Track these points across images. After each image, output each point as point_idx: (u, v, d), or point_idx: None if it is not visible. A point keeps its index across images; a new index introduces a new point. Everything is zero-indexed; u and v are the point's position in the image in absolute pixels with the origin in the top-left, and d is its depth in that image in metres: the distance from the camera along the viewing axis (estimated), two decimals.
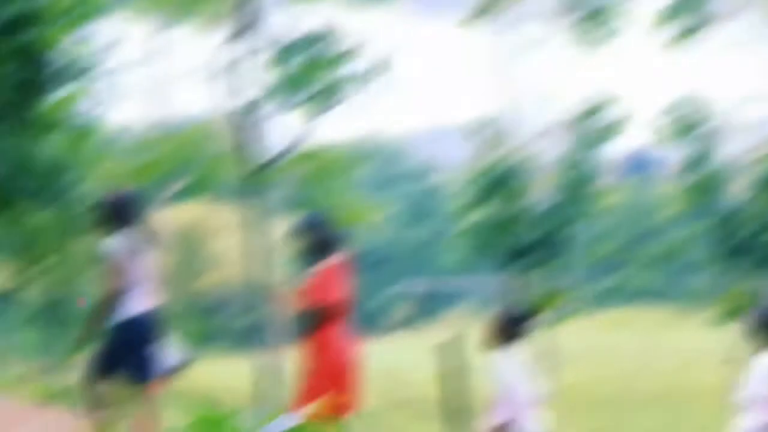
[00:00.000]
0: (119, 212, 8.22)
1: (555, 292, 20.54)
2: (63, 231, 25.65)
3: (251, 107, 15.21)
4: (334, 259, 8.08)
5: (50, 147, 17.32)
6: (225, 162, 15.23)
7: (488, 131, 22.20)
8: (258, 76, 15.66)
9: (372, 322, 68.49)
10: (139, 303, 8.13)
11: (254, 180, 14.57)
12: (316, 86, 14.05)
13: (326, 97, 14.24)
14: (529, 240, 20.89)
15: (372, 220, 15.28)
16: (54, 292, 28.72)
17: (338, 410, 7.59)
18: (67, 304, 28.28)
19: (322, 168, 14.86)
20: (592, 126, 21.27)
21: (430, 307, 68.92)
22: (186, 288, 49.64)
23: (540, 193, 21.54)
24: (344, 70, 14.28)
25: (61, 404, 19.45)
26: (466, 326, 50.68)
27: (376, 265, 73.03)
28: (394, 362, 27.96)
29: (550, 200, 21.11)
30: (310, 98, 14.23)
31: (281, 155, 15.45)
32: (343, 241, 8.33)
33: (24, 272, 27.39)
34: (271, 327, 14.69)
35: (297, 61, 14.11)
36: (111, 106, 17.75)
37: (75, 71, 16.22)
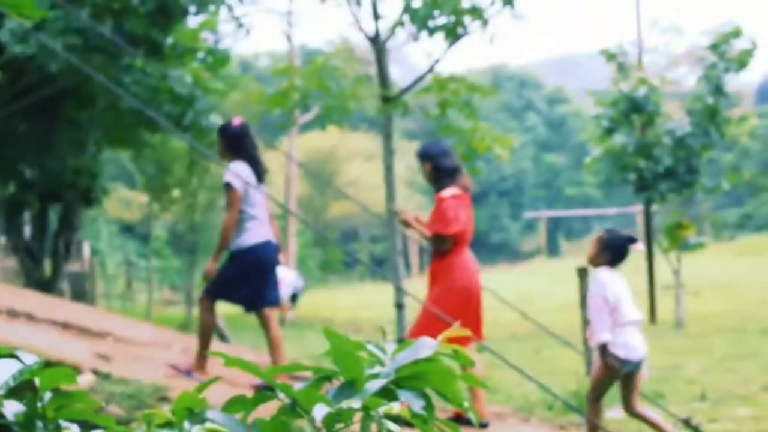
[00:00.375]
0: (235, 142, 8.35)
1: (686, 221, 20.16)
2: (194, 161, 26.16)
3: (385, 35, 15.14)
4: (454, 188, 8.00)
5: (184, 75, 17.54)
6: (359, 90, 15.22)
7: (619, 60, 21.80)
8: (391, 3, 15.67)
9: (503, 251, 68.57)
10: (255, 234, 8.24)
11: (387, 108, 14.56)
12: (448, 14, 13.95)
13: (458, 24, 14.12)
14: (660, 169, 20.52)
15: (503, 149, 15.13)
16: (185, 222, 29.35)
17: (461, 339, 7.86)
18: (198, 234, 28.88)
19: (455, 97, 14.76)
20: (722, 55, 20.69)
21: (561, 235, 68.54)
22: (319, 216, 50.22)
23: (671, 122, 21.10)
24: None
25: (191, 330, 19.98)
26: None
27: (507, 195, 72.88)
28: (526, 290, 27.94)
29: (682, 129, 20.64)
30: (443, 26, 14.11)
31: (414, 84, 15.36)
32: (462, 170, 8.24)
33: (156, 202, 28.02)
34: (402, 256, 14.75)
35: None
36: (245, 33, 17.84)
37: None
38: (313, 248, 44.50)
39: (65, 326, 9.49)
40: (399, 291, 12.95)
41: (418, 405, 2.22)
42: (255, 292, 8.38)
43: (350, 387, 2.22)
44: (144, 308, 28.65)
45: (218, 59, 19.29)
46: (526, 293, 26.67)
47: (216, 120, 17.68)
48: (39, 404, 2.00)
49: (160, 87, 16.60)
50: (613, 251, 7.44)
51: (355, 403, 2.12)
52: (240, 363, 2.29)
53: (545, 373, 11.46)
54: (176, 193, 28.81)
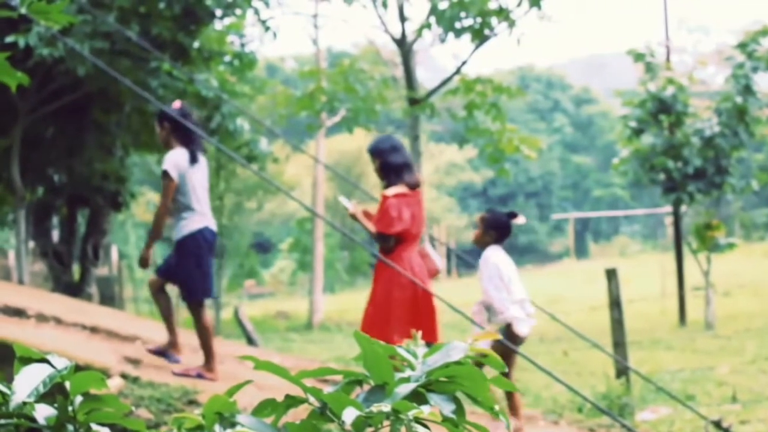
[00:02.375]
0: (177, 127, 8.41)
1: (716, 222, 20.06)
2: (221, 164, 26.22)
3: (412, 37, 15.16)
4: (400, 185, 7.97)
5: (210, 79, 17.59)
6: (385, 92, 15.24)
7: (647, 60, 21.71)
8: (418, 6, 15.71)
9: (531, 253, 68.40)
10: (192, 221, 8.30)
11: (414, 110, 14.55)
12: (475, 16, 13.95)
13: (484, 26, 14.11)
14: (689, 170, 20.42)
15: (531, 150, 15.10)
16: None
17: (395, 339, 7.75)
18: (226, 238, 28.93)
19: (482, 98, 14.75)
20: (751, 54, 20.59)
21: (589, 237, 68.29)
22: (346, 219, 50.24)
23: (700, 122, 21.00)
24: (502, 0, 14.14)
25: (219, 333, 20.01)
26: (626, 256, 49.95)
27: (534, 196, 72.73)
28: (554, 291, 27.85)
29: (710, 130, 20.54)
30: (470, 28, 14.12)
31: (441, 85, 15.36)
32: (411, 167, 8.19)
33: None
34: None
35: None
36: (273, 36, 17.86)
37: (235, 2, 16.39)
38: (340, 251, 44.53)
39: (93, 330, 9.52)
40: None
41: (448, 409, 2.21)
42: (195, 280, 8.49)
43: (380, 390, 2.21)
44: None
45: (245, 62, 19.32)
46: (554, 295, 26.60)
47: (242, 124, 17.74)
48: (70, 408, 2.00)
49: (187, 90, 16.64)
50: (497, 229, 7.74)
51: (385, 406, 2.10)
52: (269, 366, 2.28)
53: (574, 375, 11.43)
54: None
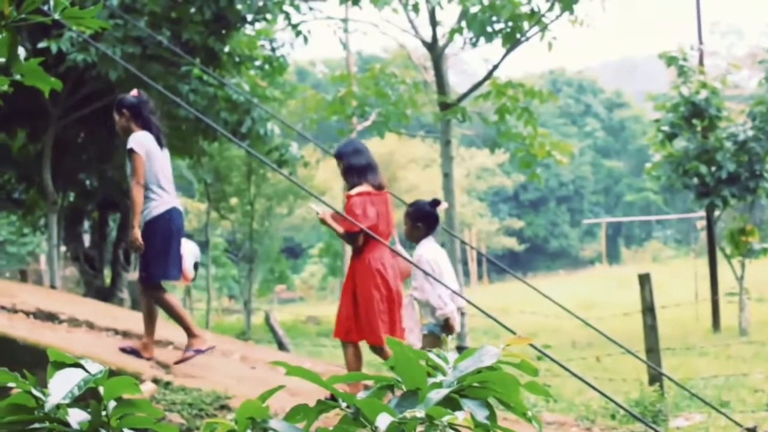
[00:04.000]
0: (136, 111, 8.46)
1: (750, 227, 19.91)
2: (252, 169, 26.30)
3: (443, 41, 15.16)
4: (364, 185, 8.00)
5: (241, 84, 17.64)
6: (416, 97, 15.24)
7: (679, 63, 21.58)
8: (448, 10, 15.70)
9: (563, 258, 68.23)
10: (158, 204, 8.33)
11: (446, 115, 14.55)
12: (506, 20, 13.94)
13: (516, 30, 14.09)
14: (722, 174, 20.28)
15: (563, 155, 15.07)
16: (243, 231, 29.52)
17: (373, 337, 7.96)
18: (257, 242, 29.01)
19: (513, 103, 14.72)
20: None
21: (621, 242, 68.03)
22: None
23: (733, 126, 20.86)
24: (533, 2, 14.10)
25: (249, 338, 20.06)
26: (659, 262, 49.61)
27: (566, 201, 72.55)
28: (586, 297, 27.75)
29: (744, 134, 20.40)
30: (501, 32, 14.10)
31: (472, 90, 15.34)
32: (375, 168, 8.22)
33: (214, 211, 28.21)
34: (461, 263, 14.74)
35: None
36: (304, 41, 17.88)
37: (266, 7, 16.42)
38: None
39: (125, 335, 9.55)
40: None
41: (481, 414, 2.19)
42: (175, 260, 8.50)
43: (413, 396, 2.20)
44: (202, 316, 28.84)
45: (276, 67, 19.35)
46: (586, 300, 26.50)
47: (273, 128, 17.77)
48: (103, 413, 2.00)
49: (218, 95, 16.69)
50: (424, 221, 7.78)
51: (419, 412, 2.09)
52: (301, 371, 2.27)
53: (606, 382, 11.36)
54: (234, 201, 29.00)
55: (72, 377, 1.94)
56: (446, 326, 7.45)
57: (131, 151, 8.25)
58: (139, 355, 8.27)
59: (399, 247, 8.35)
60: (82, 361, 2.00)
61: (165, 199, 8.36)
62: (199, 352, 8.20)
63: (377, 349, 7.98)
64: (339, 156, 8.31)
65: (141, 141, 8.32)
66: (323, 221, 8.24)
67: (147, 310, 8.52)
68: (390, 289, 7.85)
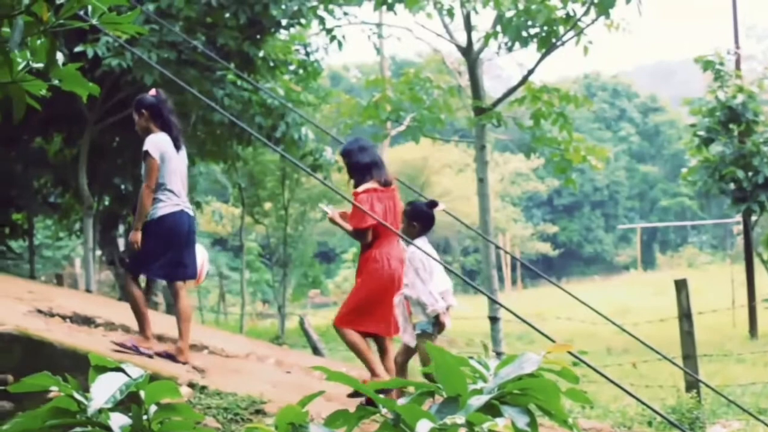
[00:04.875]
0: (155, 111, 8.46)
1: None
2: (286, 174, 26.35)
3: (478, 46, 15.13)
4: (370, 182, 8.07)
5: (275, 88, 17.68)
6: (451, 101, 15.23)
7: (716, 67, 21.44)
8: (484, 15, 15.64)
9: (597, 263, 67.94)
10: (167, 204, 8.35)
11: (481, 119, 14.52)
12: (542, 24, 13.89)
13: (551, 34, 14.04)
14: (759, 179, 20.12)
15: (598, 160, 15.00)
16: (277, 235, 29.56)
17: (375, 331, 8.14)
18: (290, 247, 29.06)
19: (548, 107, 14.68)
20: None
21: (656, 247, 67.65)
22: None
23: None
24: (569, 7, 14.05)
25: (284, 343, 20.09)
26: (694, 267, 49.29)
27: (600, 206, 72.24)
28: (621, 302, 27.61)
29: None
30: (537, 36, 14.05)
31: (508, 94, 15.30)
32: (380, 165, 8.28)
33: (248, 215, 28.27)
34: (495, 268, 14.69)
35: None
36: (339, 46, 17.91)
37: (301, 12, 16.46)
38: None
39: (160, 339, 9.57)
40: (493, 304, 12.88)
41: (522, 421, 2.18)
42: (171, 262, 8.45)
43: (453, 402, 2.18)
44: (236, 321, 28.91)
45: (310, 72, 19.39)
46: (622, 306, 26.37)
47: (307, 133, 17.80)
48: (144, 417, 2.00)
49: (252, 100, 16.74)
50: (420, 220, 7.77)
51: (459, 418, 2.08)
52: (342, 377, 2.26)
53: (643, 388, 11.29)
54: (268, 206, 29.05)
55: (114, 382, 1.94)
56: (437, 323, 7.49)
57: (146, 153, 8.28)
58: (175, 359, 8.29)
59: (404, 244, 8.42)
60: (123, 366, 2.00)
61: (173, 201, 8.36)
62: (136, 349, 8.20)
63: (379, 339, 8.18)
64: (345, 154, 8.42)
65: (157, 143, 8.33)
66: (332, 220, 8.33)
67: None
68: (393, 282, 7.92)
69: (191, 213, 8.60)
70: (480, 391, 2.22)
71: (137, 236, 8.22)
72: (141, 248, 8.27)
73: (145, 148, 8.32)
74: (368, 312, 8.00)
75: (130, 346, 8.19)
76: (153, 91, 8.72)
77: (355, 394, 7.92)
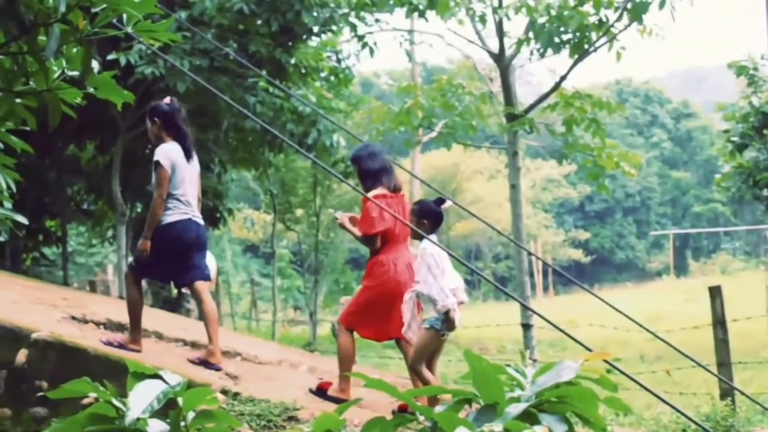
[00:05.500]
0: (168, 119, 8.48)
1: None
2: (318, 180, 26.38)
3: (510, 52, 15.10)
4: (380, 188, 8.10)
5: (307, 95, 17.71)
6: (482, 108, 15.22)
7: (749, 72, 21.29)
8: (515, 20, 15.60)
9: (629, 270, 67.63)
10: (176, 212, 8.39)
11: (513, 126, 14.50)
12: (574, 31, 13.85)
13: (584, 40, 13.99)
14: None
15: (631, 166, 14.93)
16: (309, 242, 29.59)
17: (379, 335, 8.25)
18: (322, 254, 29.07)
19: (581, 114, 14.62)
20: None
21: (689, 254, 67.28)
22: (442, 235, 50.23)
23: None
24: (602, 13, 14.00)
25: (316, 350, 20.09)
26: (728, 274, 48.99)
27: (632, 212, 71.93)
28: (654, 309, 27.45)
29: None
30: (569, 42, 14.00)
31: (540, 101, 15.25)
32: (389, 171, 8.29)
33: (280, 222, 28.32)
34: (528, 275, 14.65)
35: (552, 5, 13.94)
36: (370, 53, 17.91)
37: (333, 19, 16.49)
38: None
39: (194, 345, 9.60)
40: (526, 311, 12.83)
41: (560, 429, 2.16)
42: (180, 268, 8.48)
43: (491, 410, 2.17)
44: (268, 327, 28.96)
45: (342, 79, 19.41)
46: (654, 313, 26.21)
47: (339, 139, 17.81)
48: (182, 424, 2.00)
49: (284, 107, 16.78)
50: (429, 218, 7.76)
51: (497, 426, 2.07)
52: (380, 384, 2.25)
53: (677, 396, 11.22)
54: (300, 212, 29.10)
55: (152, 389, 1.94)
56: (447, 320, 7.47)
57: (157, 164, 8.33)
58: (209, 365, 8.31)
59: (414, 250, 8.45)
60: (161, 372, 2.00)
61: (181, 209, 8.40)
62: (122, 347, 8.24)
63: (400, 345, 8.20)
64: (354, 160, 8.45)
65: (167, 153, 8.37)
66: (342, 225, 8.38)
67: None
68: (398, 287, 7.93)
69: (200, 222, 8.63)
70: (517, 399, 2.21)
71: (146, 244, 8.27)
72: (151, 253, 8.34)
73: (155, 158, 8.38)
74: (370, 315, 8.08)
75: (116, 344, 8.24)
76: (167, 99, 8.74)
77: (318, 392, 8.00)
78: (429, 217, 7.79)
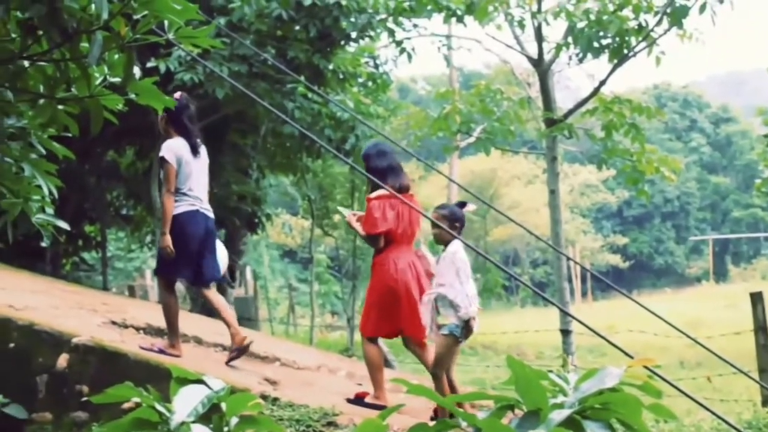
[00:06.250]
0: (175, 118, 8.56)
1: None
2: (355, 185, 26.39)
3: (549, 57, 15.06)
4: (388, 188, 7.93)
5: (345, 101, 17.74)
6: (521, 112, 15.20)
7: None
8: (554, 25, 15.59)
9: (668, 275, 67.20)
10: (182, 205, 8.54)
11: (553, 131, 14.46)
12: (613, 35, 13.80)
13: (623, 45, 13.94)
14: None
15: (671, 172, 14.85)
16: (346, 247, 29.60)
17: (389, 334, 8.27)
18: (360, 259, 29.08)
19: (620, 119, 14.57)
20: None
21: (729, 259, 66.79)
22: (480, 241, 50.13)
23: None
24: (641, 17, 13.94)
25: (353, 355, 20.10)
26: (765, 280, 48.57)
27: (671, 217, 71.49)
28: (693, 315, 27.26)
29: None
30: (608, 47, 13.96)
31: (579, 106, 15.19)
32: (397, 170, 8.32)
33: (318, 227, 28.36)
34: (567, 280, 14.59)
35: (591, 9, 13.89)
36: (408, 58, 17.92)
37: (371, 24, 16.50)
38: (473, 273, 44.41)
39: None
40: (565, 316, 12.78)
41: None
42: (192, 262, 8.61)
43: (534, 417, 2.16)
44: (306, 333, 29.00)
45: (380, 84, 19.43)
46: (694, 319, 26.03)
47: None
48: (225, 429, 2.00)
49: (322, 112, 16.81)
50: (458, 221, 7.79)
51: None
52: (422, 390, 2.25)
53: (717, 403, 11.13)
54: (337, 218, 29.13)
55: (196, 394, 1.95)
56: (466, 327, 7.46)
57: (162, 159, 8.48)
58: (241, 350, 8.41)
59: (424, 249, 8.44)
60: (204, 378, 2.01)
61: (188, 202, 8.55)
62: (162, 352, 8.29)
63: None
64: (364, 158, 8.55)
65: (172, 148, 8.57)
66: (349, 224, 8.45)
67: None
68: (398, 285, 7.98)
69: (209, 214, 8.72)
70: (561, 405, 2.20)
71: (166, 240, 8.38)
72: (163, 251, 8.42)
73: (160, 154, 8.61)
74: (378, 315, 8.10)
75: (156, 349, 8.30)
76: (177, 95, 8.83)
77: (355, 401, 7.97)
78: (458, 221, 7.80)
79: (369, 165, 8.32)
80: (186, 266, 8.64)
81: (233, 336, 8.50)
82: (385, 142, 9.18)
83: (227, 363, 8.51)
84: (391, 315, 8.01)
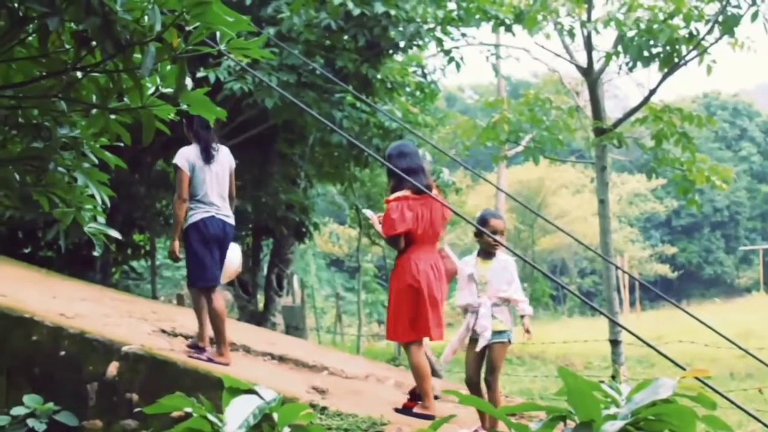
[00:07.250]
0: (189, 124, 8.68)
1: None
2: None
3: (598, 66, 14.99)
4: (405, 189, 8.11)
5: (393, 110, 17.76)
6: (570, 121, 15.14)
7: None
8: (604, 34, 15.53)
9: (718, 285, 66.54)
10: (197, 212, 8.66)
11: (602, 140, 14.39)
12: (664, 44, 13.71)
13: (674, 54, 13.84)
14: None
15: (721, 179, 14.72)
16: (392, 256, 29.60)
17: (413, 336, 8.10)
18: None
19: (671, 128, 14.47)
20: None
21: None
22: (527, 250, 49.94)
23: None
24: (692, 26, 13.85)
25: (401, 364, 20.08)
26: None
27: (721, 227, 70.79)
28: (743, 326, 26.96)
29: None
30: (658, 56, 13.86)
31: (629, 115, 15.10)
32: (418, 171, 8.24)
33: (365, 236, 28.39)
34: (615, 290, 14.49)
35: (641, 18, 13.82)
36: (457, 68, 17.89)
37: (419, 33, 16.51)
38: (521, 282, 44.20)
39: (281, 359, 9.67)
40: (614, 326, 12.68)
41: None
42: (217, 264, 8.76)
43: (587, 428, 2.15)
44: (353, 341, 29.03)
45: (428, 93, 19.43)
46: (745, 330, 25.74)
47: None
48: None
49: (370, 122, 16.84)
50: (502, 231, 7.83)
51: None
52: (473, 401, 2.25)
53: None
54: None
55: (248, 404, 1.95)
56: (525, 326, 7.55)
57: (176, 166, 8.72)
58: (211, 360, 8.47)
59: (447, 249, 8.42)
60: (256, 388, 2.01)
61: (203, 208, 8.70)
62: (211, 360, 8.35)
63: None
64: (385, 158, 8.53)
65: (184, 155, 8.78)
66: (373, 225, 8.46)
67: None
68: (420, 285, 7.98)
69: (227, 220, 8.80)
70: (614, 417, 2.19)
71: (174, 245, 8.55)
72: (187, 259, 8.60)
73: (174, 161, 8.82)
74: (408, 318, 8.06)
75: (205, 358, 8.37)
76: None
77: (404, 411, 7.95)
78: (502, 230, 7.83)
79: (390, 166, 8.33)
80: (216, 270, 8.74)
81: (198, 334, 8.65)
82: (409, 143, 9.16)
83: (187, 347, 8.69)
84: (416, 316, 8.01)
